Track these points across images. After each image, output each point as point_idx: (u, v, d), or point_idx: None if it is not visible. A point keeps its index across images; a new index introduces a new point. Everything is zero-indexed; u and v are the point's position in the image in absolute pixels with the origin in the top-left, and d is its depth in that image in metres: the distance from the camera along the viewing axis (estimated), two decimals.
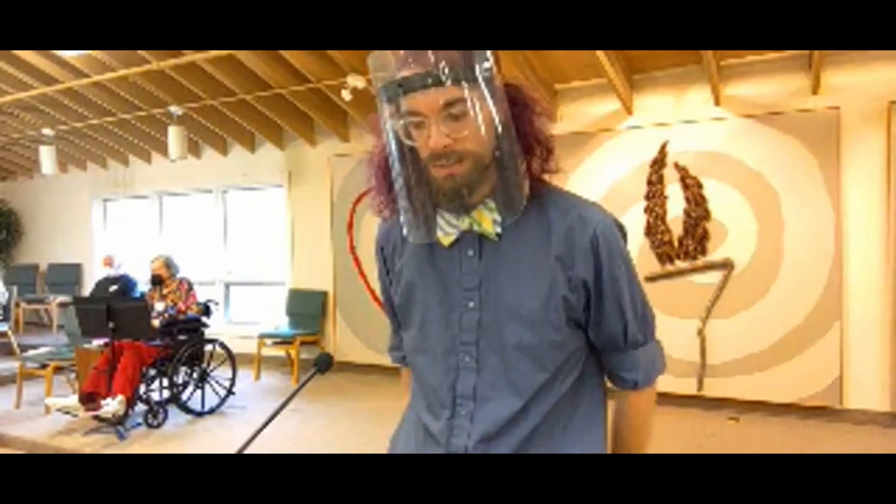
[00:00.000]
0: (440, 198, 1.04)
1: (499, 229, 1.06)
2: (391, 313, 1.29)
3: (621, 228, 1.12)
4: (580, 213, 1.08)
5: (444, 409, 1.11)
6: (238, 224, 7.35)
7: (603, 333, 1.12)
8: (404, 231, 1.08)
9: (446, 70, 0.96)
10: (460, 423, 1.09)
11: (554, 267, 1.06)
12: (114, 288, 5.87)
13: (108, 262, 6.48)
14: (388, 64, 1.01)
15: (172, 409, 4.79)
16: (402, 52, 1.00)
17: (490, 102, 1.00)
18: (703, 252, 4.71)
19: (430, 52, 0.97)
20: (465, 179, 1.01)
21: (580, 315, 1.09)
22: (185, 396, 4.92)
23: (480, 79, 0.98)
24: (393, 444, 1.29)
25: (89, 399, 4.33)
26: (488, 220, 1.06)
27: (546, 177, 1.10)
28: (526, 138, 1.05)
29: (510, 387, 1.08)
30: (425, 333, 1.13)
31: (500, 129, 1.01)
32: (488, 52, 1.00)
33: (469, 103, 0.98)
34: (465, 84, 0.97)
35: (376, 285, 5.80)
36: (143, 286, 5.84)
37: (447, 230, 1.07)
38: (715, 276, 4.67)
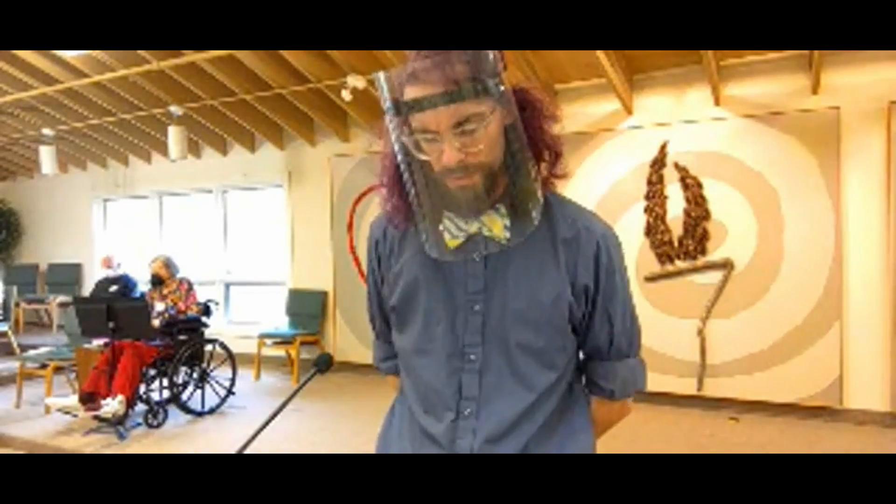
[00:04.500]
0: (452, 203, 1.03)
1: (509, 234, 1.05)
2: (379, 316, 1.26)
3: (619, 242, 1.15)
4: (585, 223, 1.10)
5: (448, 411, 1.10)
6: (238, 224, 7.35)
7: (590, 340, 1.13)
8: (426, 247, 1.06)
9: (458, 87, 0.94)
10: (465, 424, 1.09)
11: (560, 274, 1.07)
12: (114, 288, 5.88)
13: (107, 263, 6.45)
14: (396, 80, 0.99)
15: (172, 409, 4.79)
16: (410, 67, 0.97)
17: (501, 112, 0.99)
18: (703, 252, 4.71)
19: (440, 66, 0.94)
20: (481, 188, 1.01)
21: (580, 321, 1.11)
22: (185, 396, 4.92)
23: (492, 90, 0.96)
24: (383, 445, 1.26)
25: (89, 399, 4.33)
26: (499, 225, 1.05)
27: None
28: (535, 143, 1.05)
29: (519, 384, 1.08)
30: (429, 335, 1.11)
31: (511, 136, 1.01)
32: (500, 61, 0.98)
33: (481, 118, 0.96)
34: (476, 98, 0.95)
35: None
36: (143, 286, 5.84)
37: (454, 233, 1.06)
38: (715, 276, 4.67)
